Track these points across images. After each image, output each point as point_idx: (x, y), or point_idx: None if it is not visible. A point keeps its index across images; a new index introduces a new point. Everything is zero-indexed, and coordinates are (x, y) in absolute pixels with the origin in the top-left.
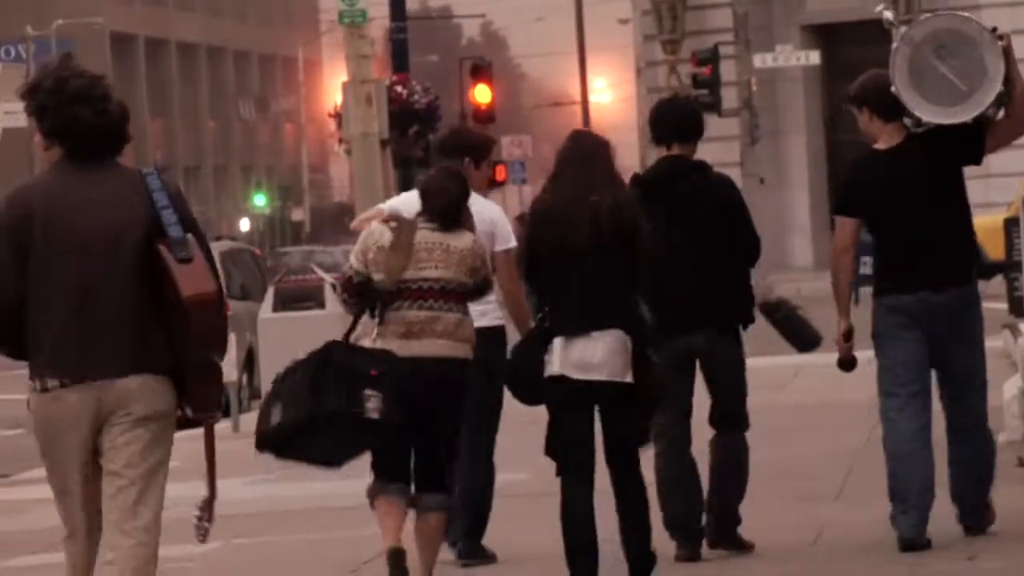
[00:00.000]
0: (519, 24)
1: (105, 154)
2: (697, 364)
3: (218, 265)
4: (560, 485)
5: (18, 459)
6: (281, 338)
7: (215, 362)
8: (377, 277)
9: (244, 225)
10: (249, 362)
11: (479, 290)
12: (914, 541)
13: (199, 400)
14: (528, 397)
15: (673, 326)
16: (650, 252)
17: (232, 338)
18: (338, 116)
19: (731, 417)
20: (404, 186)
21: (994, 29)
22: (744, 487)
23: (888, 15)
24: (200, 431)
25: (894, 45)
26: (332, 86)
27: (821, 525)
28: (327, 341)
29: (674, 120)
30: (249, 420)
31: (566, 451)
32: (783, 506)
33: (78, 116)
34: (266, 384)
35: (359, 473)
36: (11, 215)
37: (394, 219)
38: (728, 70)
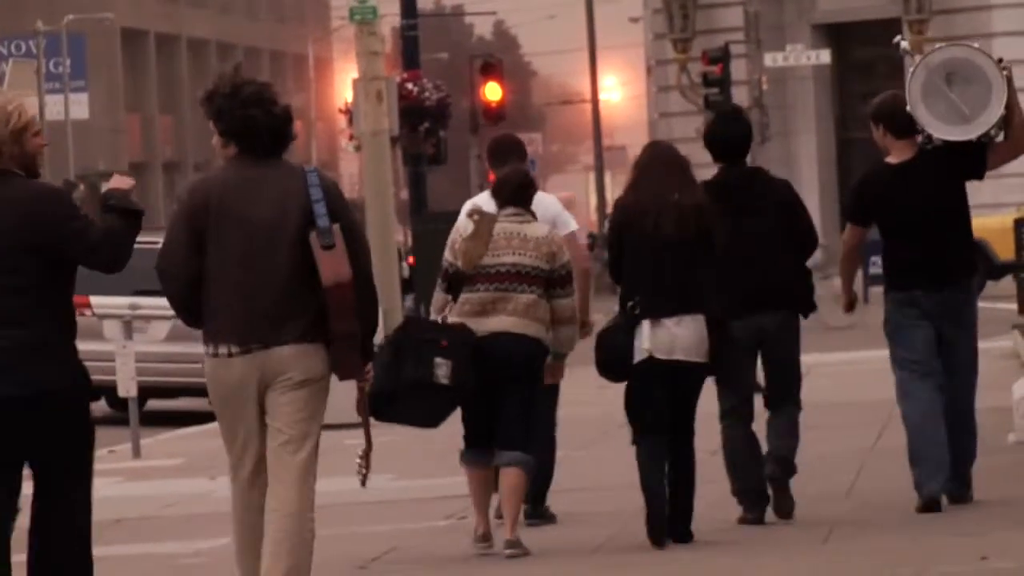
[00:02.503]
0: (530, 22)
1: (272, 151)
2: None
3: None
4: (636, 451)
5: None
6: None
7: (353, 334)
8: (457, 263)
9: None
10: None
11: (561, 276)
12: (934, 501)
13: (341, 367)
14: (615, 376)
15: (740, 311)
16: (722, 245)
17: None
18: (348, 113)
19: (788, 398)
20: (414, 183)
21: (1000, 60)
22: (794, 465)
23: (904, 44)
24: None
25: (911, 69)
26: (342, 83)
27: (831, 524)
28: (406, 317)
29: (731, 139)
30: None
31: (645, 423)
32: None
33: (252, 117)
34: None
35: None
36: (191, 202)
37: (477, 212)
38: (739, 69)
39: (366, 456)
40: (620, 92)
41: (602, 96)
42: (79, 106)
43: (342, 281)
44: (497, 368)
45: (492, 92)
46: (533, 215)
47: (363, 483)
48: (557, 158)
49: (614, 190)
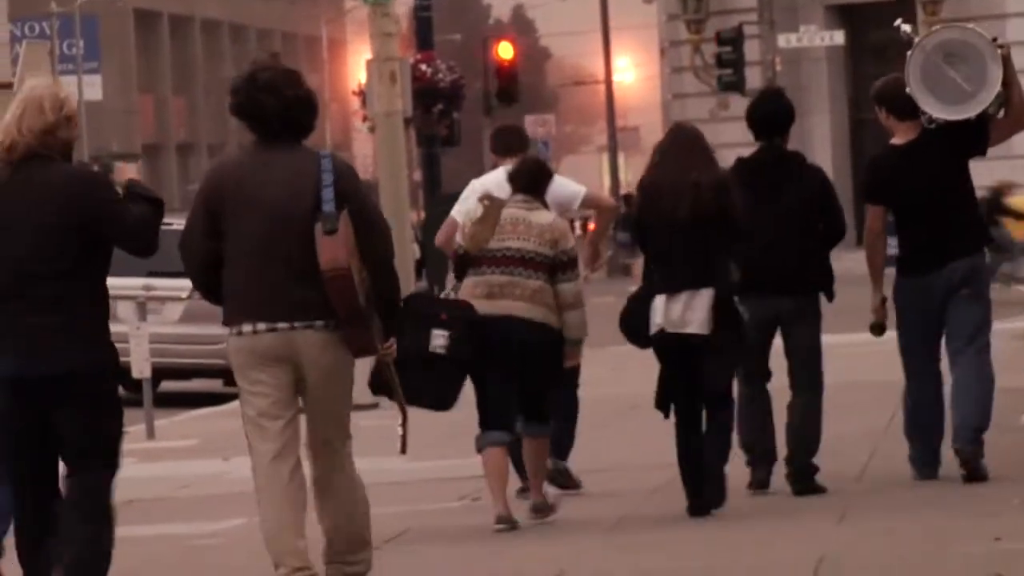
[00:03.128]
0: (545, 4)
1: (288, 138)
2: (778, 329)
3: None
4: (675, 423)
5: None
6: None
7: (357, 314)
8: (465, 245)
9: None
10: None
11: (563, 262)
12: (929, 475)
13: (351, 345)
14: (638, 343)
15: (761, 289)
16: (743, 223)
17: None
18: (362, 94)
19: (807, 384)
20: (428, 164)
21: (994, 39)
22: (817, 441)
23: (906, 28)
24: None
25: (909, 53)
26: (356, 64)
27: (845, 504)
28: (409, 294)
29: (770, 116)
30: None
31: (668, 393)
32: None
33: (260, 102)
34: None
35: (375, 451)
36: (208, 185)
37: (487, 198)
38: (752, 50)
39: (404, 425)
40: (634, 73)
41: (616, 77)
42: (92, 87)
43: (339, 267)
44: (509, 350)
45: (504, 51)
46: (544, 204)
47: (403, 450)
48: (570, 139)
49: (627, 171)
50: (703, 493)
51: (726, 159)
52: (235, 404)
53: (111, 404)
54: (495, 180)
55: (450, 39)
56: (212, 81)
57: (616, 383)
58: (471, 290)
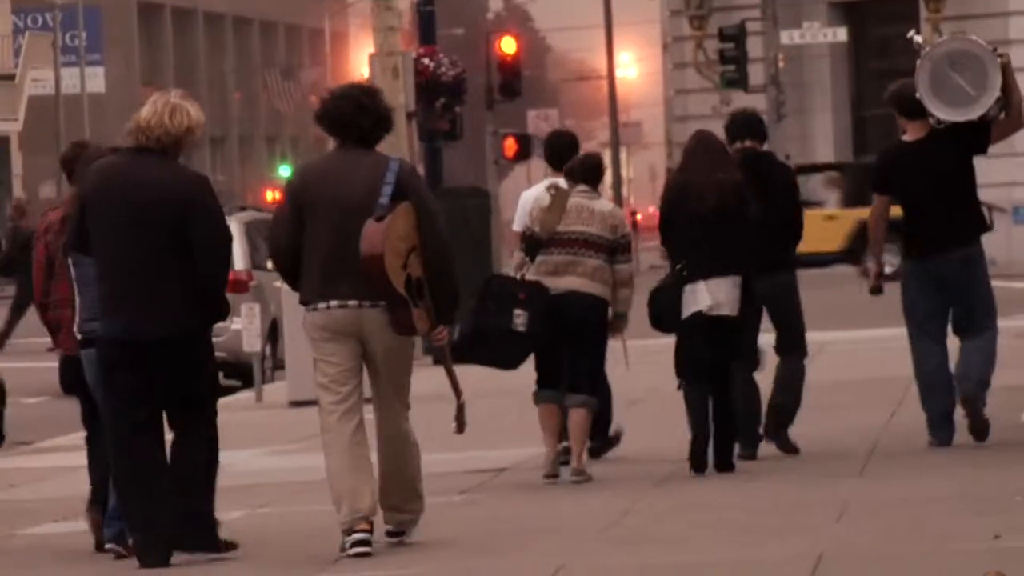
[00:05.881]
0: None
1: (363, 143)
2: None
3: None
4: (684, 395)
5: (41, 427)
6: None
7: (393, 297)
8: (536, 229)
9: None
10: (273, 333)
11: (621, 244)
12: (945, 440)
13: (393, 324)
14: (666, 328)
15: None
16: (755, 217)
17: (255, 308)
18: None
19: (792, 343)
20: (430, 158)
21: (994, 49)
22: (798, 402)
23: (918, 39)
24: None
25: (918, 61)
26: (359, 58)
27: (845, 501)
28: (491, 274)
29: (742, 125)
30: (273, 390)
31: (691, 370)
32: (807, 482)
33: (339, 109)
34: (290, 354)
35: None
36: (295, 184)
37: (554, 187)
38: (755, 46)
39: (460, 409)
40: (636, 68)
41: (618, 73)
42: (95, 80)
43: (373, 252)
44: (568, 321)
45: (507, 45)
46: (599, 194)
47: (459, 430)
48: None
49: (629, 166)
50: (720, 460)
51: None
52: (233, 397)
53: (208, 363)
54: (535, 193)
55: (452, 33)
56: (215, 74)
57: (615, 380)
58: (538, 268)
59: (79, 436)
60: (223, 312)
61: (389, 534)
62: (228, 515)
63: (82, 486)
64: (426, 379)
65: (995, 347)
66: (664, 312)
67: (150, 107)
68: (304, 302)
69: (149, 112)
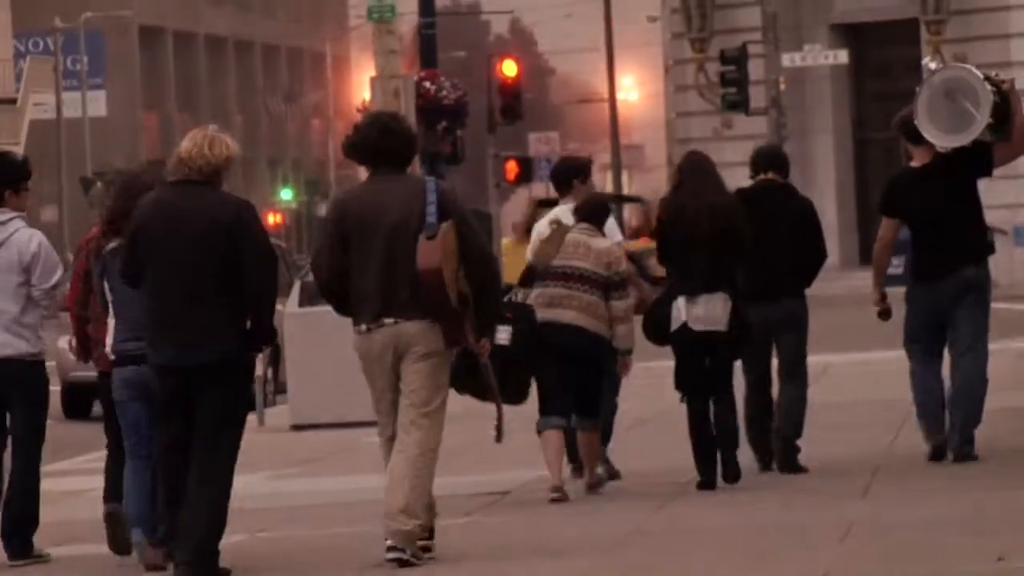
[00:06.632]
0: (547, 20)
1: (394, 168)
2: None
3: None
4: (687, 408)
5: (49, 450)
6: (307, 333)
7: (444, 309)
8: (531, 259)
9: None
10: (275, 357)
11: (615, 282)
12: (941, 450)
13: (444, 336)
14: (657, 340)
15: (758, 296)
16: (750, 240)
17: None
18: (366, 111)
19: (794, 370)
20: None
21: (987, 77)
22: (801, 426)
23: (932, 66)
24: None
25: (917, 89)
26: (360, 81)
27: (849, 523)
28: None
29: (767, 157)
30: (275, 414)
31: (687, 385)
32: (810, 504)
33: (368, 136)
34: (292, 378)
35: (377, 469)
36: (335, 212)
37: (556, 222)
38: (756, 69)
39: (499, 419)
40: (638, 91)
41: (620, 95)
42: (97, 103)
43: (432, 267)
44: (565, 352)
45: (508, 68)
46: (602, 233)
47: (498, 439)
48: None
49: (631, 188)
50: (715, 470)
51: (728, 178)
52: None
53: (243, 385)
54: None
55: (454, 56)
56: (216, 97)
57: (622, 399)
58: (535, 299)
59: (82, 460)
60: (271, 336)
61: (390, 549)
62: (229, 539)
63: (84, 511)
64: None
65: (986, 383)
66: (653, 327)
67: (190, 140)
68: (358, 321)
69: (189, 145)
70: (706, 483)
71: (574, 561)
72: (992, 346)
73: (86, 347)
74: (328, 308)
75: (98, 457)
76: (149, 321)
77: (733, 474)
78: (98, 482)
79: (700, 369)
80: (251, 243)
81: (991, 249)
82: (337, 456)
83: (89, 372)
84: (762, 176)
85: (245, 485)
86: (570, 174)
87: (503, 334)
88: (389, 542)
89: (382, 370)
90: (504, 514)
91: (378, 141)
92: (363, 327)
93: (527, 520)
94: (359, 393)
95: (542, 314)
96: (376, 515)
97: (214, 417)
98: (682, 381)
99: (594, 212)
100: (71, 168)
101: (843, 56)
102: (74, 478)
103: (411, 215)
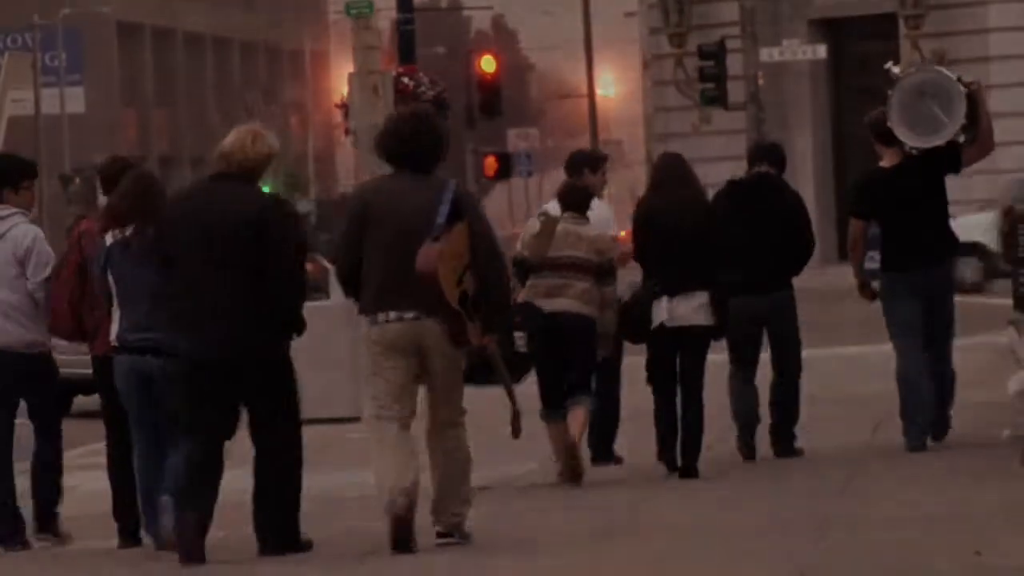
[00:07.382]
0: (526, 17)
1: (416, 167)
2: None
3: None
4: (654, 399)
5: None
6: None
7: (447, 309)
8: (526, 254)
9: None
10: None
11: (606, 268)
12: (918, 447)
13: (448, 335)
14: (636, 338)
15: (749, 289)
16: (722, 236)
17: None
18: (344, 107)
19: (787, 362)
20: None
21: (959, 78)
22: (796, 414)
23: (895, 70)
24: None
25: (889, 92)
26: (339, 77)
27: (827, 520)
28: None
29: (763, 148)
30: None
31: (660, 378)
32: (789, 500)
33: (397, 132)
34: None
35: (362, 464)
36: (356, 204)
37: (544, 215)
38: (735, 64)
39: (515, 416)
40: (616, 87)
41: (599, 91)
42: (75, 100)
43: (427, 270)
44: (562, 338)
45: (487, 64)
46: (587, 219)
47: (515, 435)
48: (554, 153)
49: (611, 185)
50: (683, 457)
51: (707, 173)
52: None
53: (287, 377)
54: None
55: (433, 52)
56: (195, 94)
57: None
58: (530, 290)
59: (75, 454)
60: (300, 328)
61: (440, 535)
62: (216, 534)
63: (78, 505)
64: None
65: (955, 376)
66: (634, 324)
67: (234, 135)
68: (362, 311)
69: (232, 140)
70: (670, 460)
71: (552, 557)
72: (968, 340)
73: (81, 330)
74: (310, 304)
75: (81, 453)
76: (176, 310)
77: (691, 469)
78: (83, 478)
79: (674, 366)
80: (272, 239)
81: (957, 247)
82: (321, 452)
83: (71, 369)
84: (756, 168)
85: (234, 481)
86: (581, 162)
87: (520, 341)
88: (439, 528)
89: (399, 361)
90: (487, 506)
91: (407, 144)
92: (381, 318)
93: (511, 513)
94: (343, 389)
95: (539, 304)
96: (365, 510)
97: (254, 414)
98: (656, 375)
99: (575, 198)
100: (50, 164)
101: (821, 51)
102: (68, 474)
103: (424, 215)
